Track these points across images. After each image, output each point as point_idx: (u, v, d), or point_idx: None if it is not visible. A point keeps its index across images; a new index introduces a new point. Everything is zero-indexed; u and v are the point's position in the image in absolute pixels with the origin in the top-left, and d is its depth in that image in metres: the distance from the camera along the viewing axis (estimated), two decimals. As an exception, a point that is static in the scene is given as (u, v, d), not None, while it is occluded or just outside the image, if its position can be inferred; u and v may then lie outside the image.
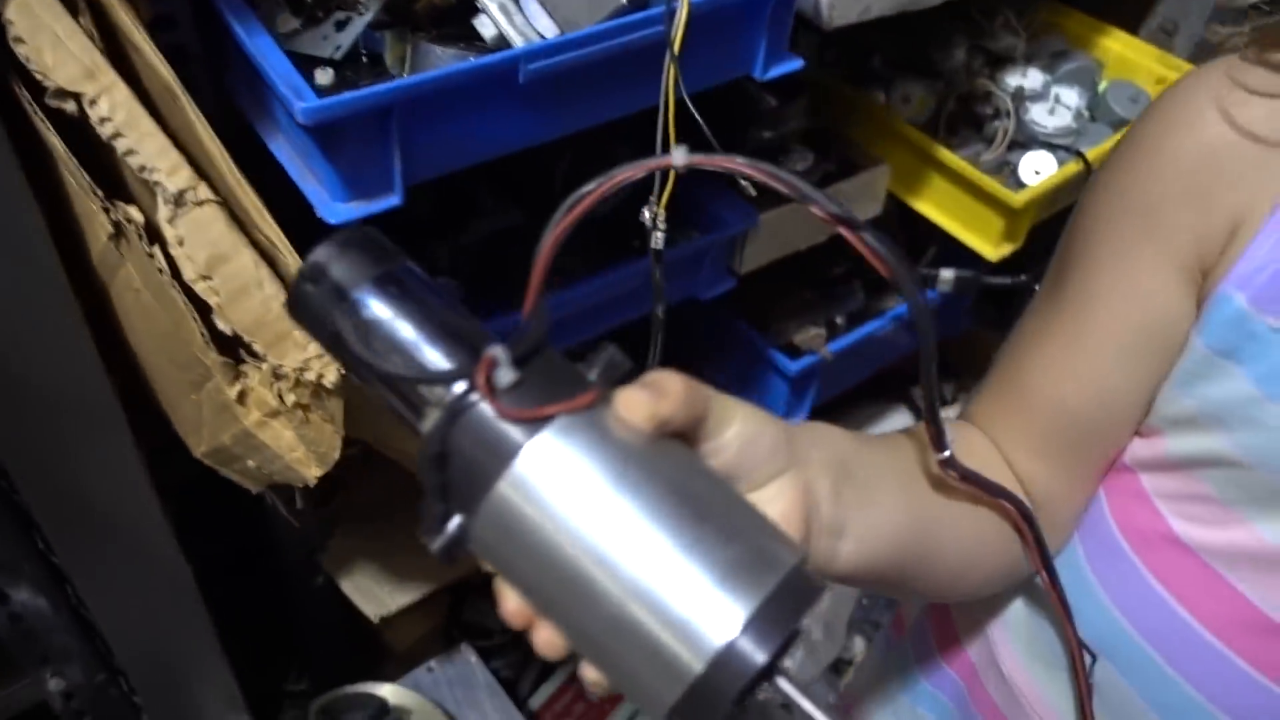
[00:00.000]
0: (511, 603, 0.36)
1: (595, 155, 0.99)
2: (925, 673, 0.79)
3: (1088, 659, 0.61)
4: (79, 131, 0.56)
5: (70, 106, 0.52)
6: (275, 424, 0.56)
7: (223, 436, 0.61)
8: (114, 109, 0.52)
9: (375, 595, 0.97)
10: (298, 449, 0.56)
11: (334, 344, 0.36)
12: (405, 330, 0.34)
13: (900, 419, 1.50)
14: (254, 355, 0.56)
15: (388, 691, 1.02)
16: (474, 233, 0.97)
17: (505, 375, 0.33)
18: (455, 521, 0.34)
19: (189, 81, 0.58)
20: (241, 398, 0.56)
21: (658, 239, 0.77)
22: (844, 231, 0.37)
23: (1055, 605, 0.60)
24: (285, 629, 1.17)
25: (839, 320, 1.24)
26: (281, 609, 1.15)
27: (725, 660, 0.32)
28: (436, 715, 1.04)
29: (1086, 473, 0.60)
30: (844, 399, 1.41)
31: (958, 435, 0.55)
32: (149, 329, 0.60)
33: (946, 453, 0.48)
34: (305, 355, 0.54)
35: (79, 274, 0.63)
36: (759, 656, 0.31)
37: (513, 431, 0.33)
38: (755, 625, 0.32)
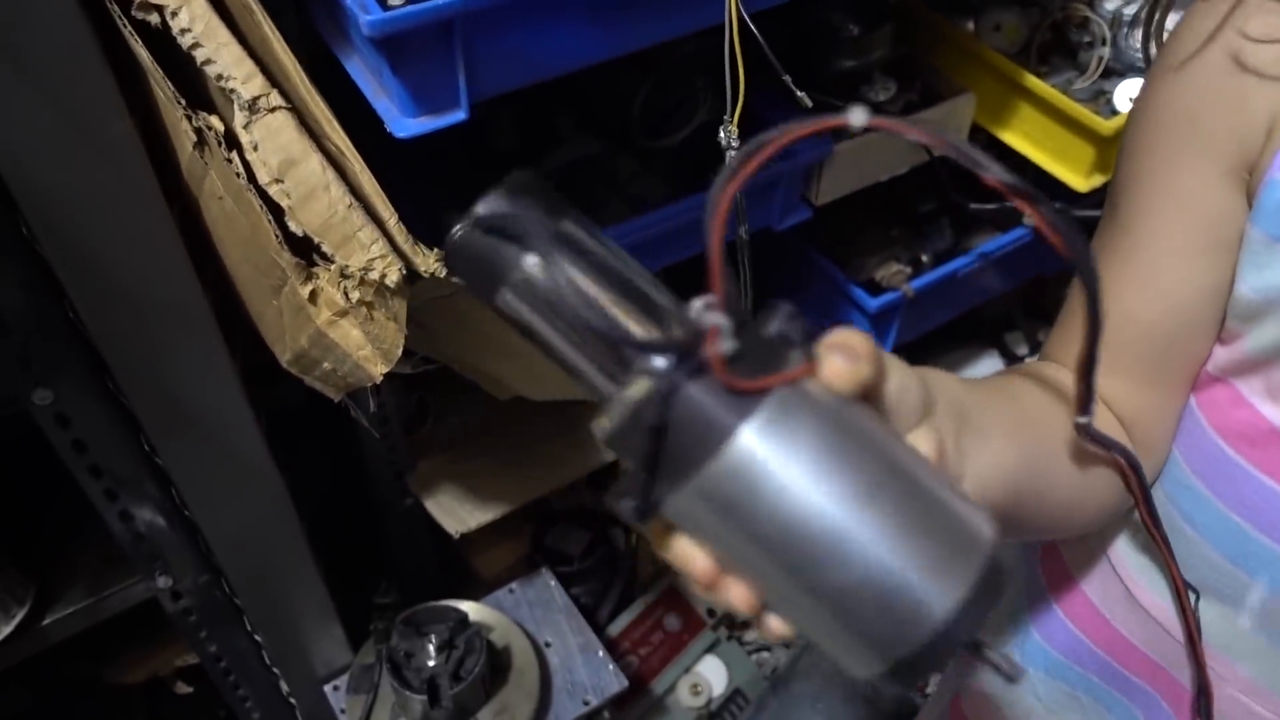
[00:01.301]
0: (701, 563, 0.35)
1: (674, 84, 1.00)
2: (1036, 623, 0.78)
3: (1191, 596, 0.62)
4: (167, 46, 0.60)
5: (154, 18, 0.56)
6: (344, 323, 0.59)
7: (301, 339, 0.64)
8: (193, 20, 0.55)
9: (456, 513, 1.01)
10: (365, 347, 0.60)
11: (504, 301, 0.34)
12: (597, 289, 0.33)
13: (991, 364, 1.47)
14: (324, 257, 0.59)
15: (469, 608, 1.07)
16: (554, 162, 0.99)
17: (726, 345, 0.32)
18: (658, 490, 0.33)
19: (271, 3, 0.62)
20: (313, 297, 0.59)
21: (732, 159, 0.77)
22: (1022, 205, 0.35)
23: (1160, 548, 0.61)
24: (378, 548, 1.23)
25: (924, 258, 1.22)
26: (375, 530, 1.21)
27: (942, 634, 0.32)
28: (515, 631, 1.08)
29: (1170, 384, 0.61)
30: (932, 342, 1.39)
31: (1036, 372, 0.57)
32: (233, 236, 0.64)
33: (1087, 419, 0.48)
34: (369, 255, 0.57)
35: (172, 187, 0.68)
36: (973, 630, 0.32)
37: (732, 404, 0.32)
38: (970, 600, 0.32)
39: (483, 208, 0.35)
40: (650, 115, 1.01)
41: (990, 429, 0.49)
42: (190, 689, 1.11)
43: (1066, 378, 0.59)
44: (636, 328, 0.33)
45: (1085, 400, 0.47)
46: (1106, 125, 1.00)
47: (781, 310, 0.35)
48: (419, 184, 0.96)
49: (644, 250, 0.95)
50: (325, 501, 1.31)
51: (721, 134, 0.72)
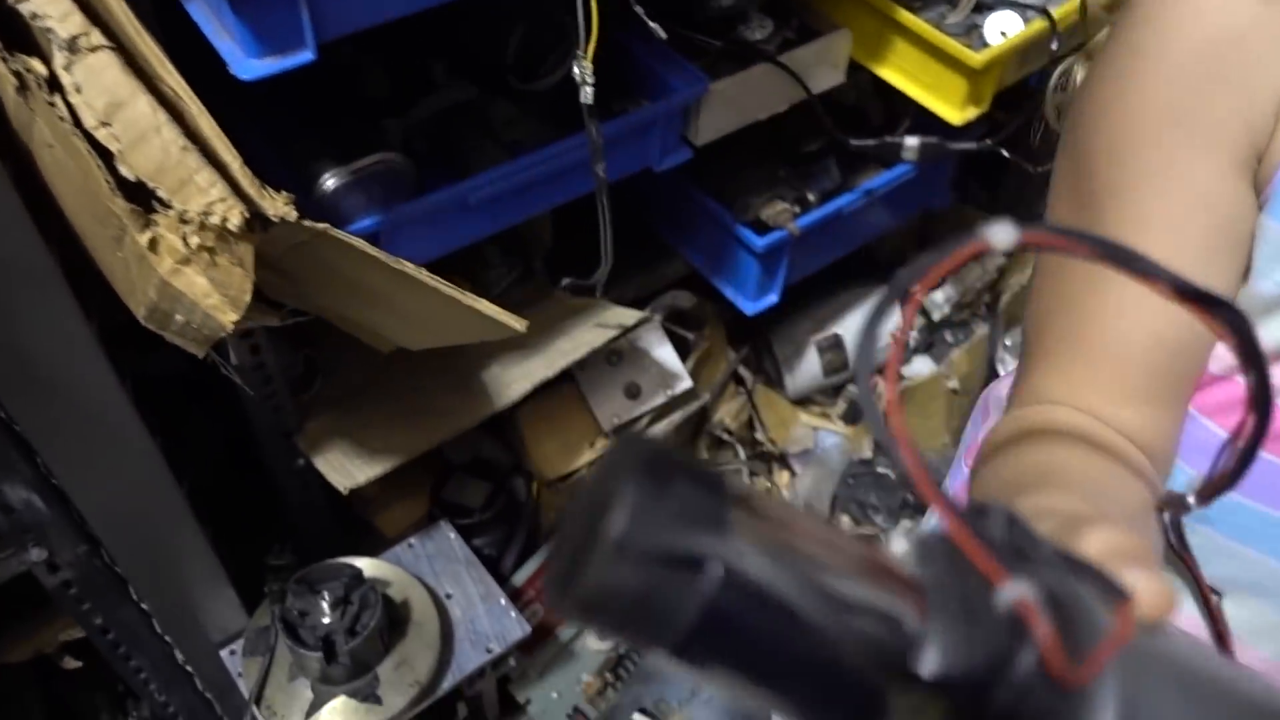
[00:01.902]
0: None
1: (547, 27, 0.99)
2: None
3: (1214, 599, 0.59)
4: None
5: (-43, -47, 0.53)
6: (188, 271, 0.58)
7: (149, 291, 0.62)
8: (-1, -45, 0.52)
9: (346, 469, 1.00)
10: (212, 295, 0.58)
11: (689, 652, 0.23)
12: (829, 577, 0.24)
13: (884, 301, 1.49)
14: (162, 203, 0.57)
15: (366, 564, 1.06)
16: (427, 108, 0.97)
17: (1045, 627, 0.24)
18: None
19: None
20: (153, 246, 0.57)
21: (586, 93, 0.77)
22: (1197, 312, 0.30)
23: (1183, 558, 0.55)
24: (274, 512, 1.21)
25: (811, 197, 1.23)
26: (268, 492, 1.19)
27: None
28: (414, 585, 1.08)
29: (1186, 398, 0.54)
30: (825, 280, 1.41)
31: (1044, 420, 0.50)
32: (67, 185, 0.61)
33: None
34: (208, 199, 0.55)
35: (2, 137, 0.64)
36: None
37: (1072, 701, 0.24)
38: None
39: (617, 529, 0.22)
40: (524, 58, 0.99)
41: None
42: (79, 664, 1.08)
43: (1103, 431, 0.50)
44: (909, 620, 0.24)
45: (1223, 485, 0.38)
46: (976, 58, 1.01)
47: (997, 514, 0.27)
48: (287, 134, 0.93)
49: (523, 196, 0.94)
50: (218, 466, 1.28)
51: (575, 69, 0.71)
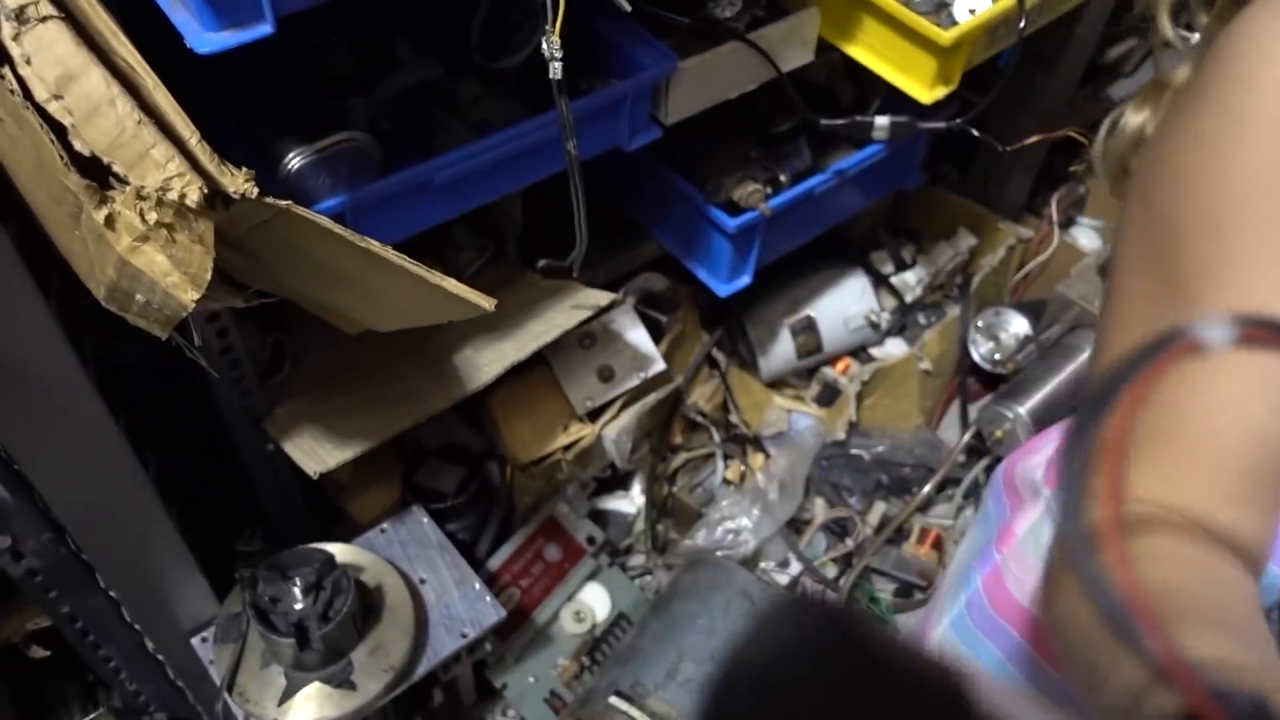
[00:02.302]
0: None
1: (511, 4, 0.98)
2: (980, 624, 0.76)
3: None
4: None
5: (-101, -79, 0.51)
6: (146, 248, 0.57)
7: (109, 270, 0.61)
8: (-56, -77, 0.51)
9: (316, 454, 0.99)
10: (171, 273, 0.57)
11: None
12: None
13: (857, 282, 1.50)
14: (118, 179, 0.56)
15: (338, 549, 1.05)
16: (393, 86, 0.96)
17: None
18: None
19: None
20: (110, 223, 0.56)
21: (555, 69, 0.76)
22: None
23: None
24: (246, 499, 1.20)
25: (783, 178, 1.23)
26: (238, 479, 1.18)
27: None
28: (387, 570, 1.07)
29: None
30: (798, 261, 1.41)
31: (1154, 537, 0.45)
32: (21, 162, 0.60)
33: None
34: (165, 175, 0.54)
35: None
36: None
37: None
38: None
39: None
40: (490, 37, 0.98)
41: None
42: (47, 653, 1.07)
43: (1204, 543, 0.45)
44: None
45: None
46: (945, 36, 1.01)
47: (1242, 700, 0.26)
48: (252, 114, 0.92)
49: (491, 175, 0.93)
50: (186, 453, 1.27)
51: (544, 45, 0.70)
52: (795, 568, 1.40)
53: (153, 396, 1.20)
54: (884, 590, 1.40)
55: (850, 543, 1.42)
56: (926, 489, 1.44)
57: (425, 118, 0.95)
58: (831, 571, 1.41)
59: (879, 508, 1.45)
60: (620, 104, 0.96)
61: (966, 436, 1.45)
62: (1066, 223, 1.61)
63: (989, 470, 1.45)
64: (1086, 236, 1.61)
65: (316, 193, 0.86)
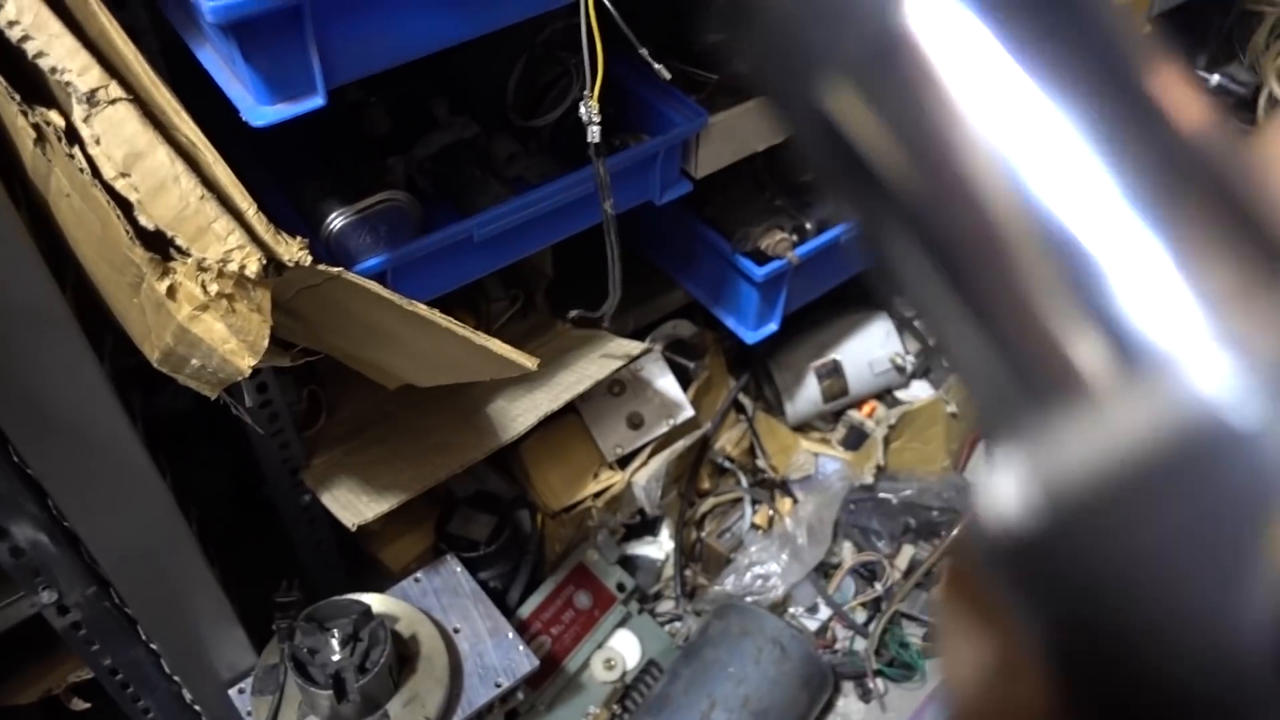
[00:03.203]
0: None
1: (545, 64, 1.00)
2: None
3: None
4: (2, 44, 0.58)
5: (-21, 11, 0.54)
6: (206, 317, 0.58)
7: (165, 337, 0.63)
8: (21, 12, 0.53)
9: (353, 505, 1.00)
10: (229, 340, 0.59)
11: None
12: None
13: (882, 327, 1.51)
14: (180, 251, 0.58)
15: (373, 600, 1.06)
16: (430, 146, 0.98)
17: None
18: None
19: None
20: (172, 293, 0.58)
21: (594, 132, 0.78)
22: None
23: None
24: (281, 550, 1.21)
25: (809, 226, 1.25)
26: (276, 529, 1.19)
27: None
28: (422, 620, 1.08)
29: None
30: (822, 308, 1.42)
31: None
32: (84, 234, 0.62)
33: None
34: (226, 247, 0.56)
35: (18, 188, 0.65)
36: None
37: None
38: None
39: None
40: (524, 95, 1.00)
41: None
42: (87, 705, 1.08)
43: None
44: None
45: None
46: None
47: None
48: (292, 175, 0.94)
49: (527, 232, 0.95)
50: (223, 503, 1.28)
51: (582, 109, 0.72)
52: (824, 612, 1.40)
53: (191, 448, 1.22)
54: (914, 635, 1.40)
55: (879, 587, 1.42)
56: (955, 532, 1.44)
57: (462, 175, 0.98)
58: (861, 616, 1.40)
59: (907, 551, 1.45)
60: (652, 160, 0.98)
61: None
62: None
63: (1017, 513, 1.45)
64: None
65: (358, 251, 0.88)
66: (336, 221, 0.87)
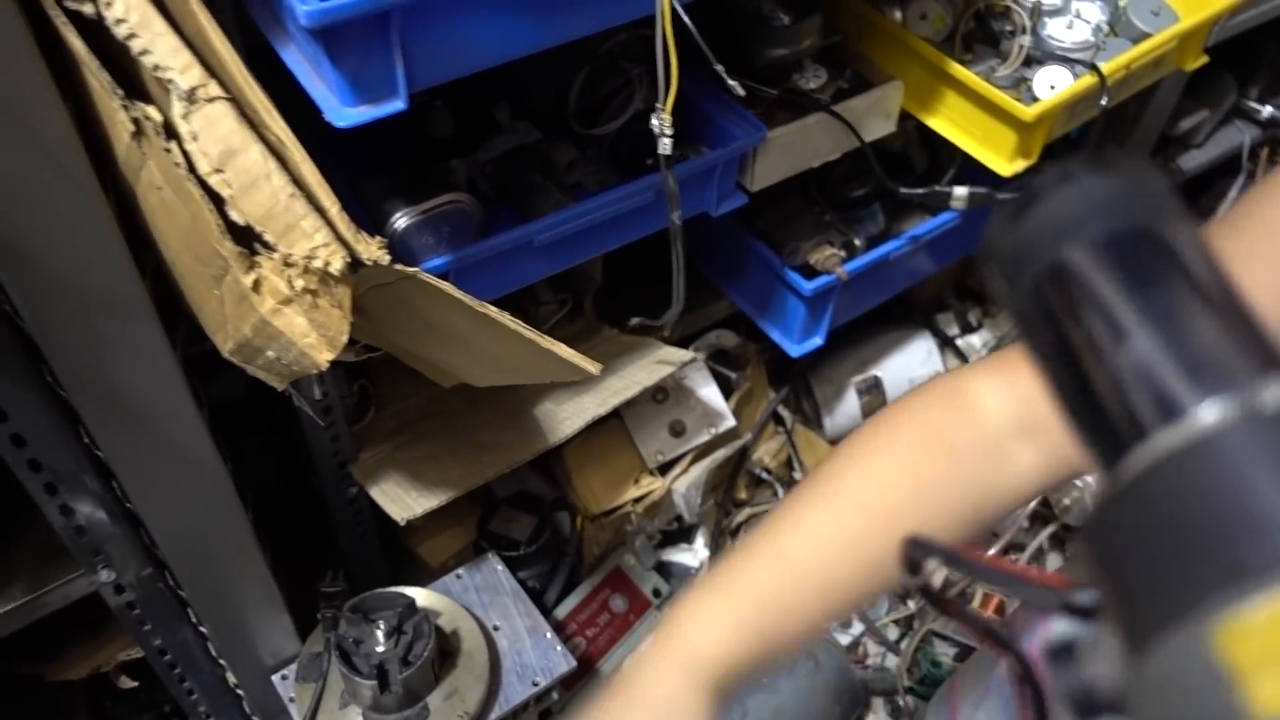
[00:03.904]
0: None
1: (609, 73, 1.02)
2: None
3: None
4: (99, 36, 0.60)
5: (88, 8, 0.56)
6: (288, 311, 0.60)
7: (244, 328, 0.65)
8: (128, 10, 0.55)
9: (403, 500, 1.02)
10: (310, 334, 0.60)
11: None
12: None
13: (923, 345, 1.51)
14: (266, 246, 0.60)
15: (417, 593, 1.08)
16: (492, 150, 1.00)
17: None
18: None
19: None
20: (256, 286, 0.60)
21: (665, 145, 0.79)
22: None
23: None
24: (323, 538, 1.23)
25: (858, 242, 1.25)
26: (320, 520, 1.21)
27: None
28: (463, 616, 1.09)
29: None
30: (866, 324, 1.43)
31: None
32: (172, 227, 0.64)
33: None
34: (313, 244, 0.58)
35: (108, 178, 0.67)
36: None
37: None
38: None
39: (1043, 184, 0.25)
40: (586, 104, 1.02)
41: None
42: (135, 683, 1.10)
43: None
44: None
45: None
46: (1027, 112, 1.04)
47: None
48: (357, 173, 0.96)
49: (584, 238, 0.97)
50: (269, 493, 1.30)
51: (654, 121, 0.74)
52: (857, 628, 1.40)
53: (240, 438, 1.25)
54: (945, 654, 1.40)
55: (912, 605, 1.42)
56: (991, 553, 1.44)
57: (522, 180, 0.99)
58: (893, 633, 1.41)
59: (942, 571, 1.45)
60: (711, 172, 0.99)
61: (1033, 503, 1.45)
62: (1134, 291, 1.61)
63: (1054, 537, 1.45)
64: (1154, 305, 1.61)
65: (421, 251, 0.90)
66: (401, 221, 0.89)
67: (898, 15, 1.14)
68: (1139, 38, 1.15)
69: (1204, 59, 1.23)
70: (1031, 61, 1.13)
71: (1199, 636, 0.16)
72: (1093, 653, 0.23)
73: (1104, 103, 1.08)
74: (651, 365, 1.12)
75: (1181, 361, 0.20)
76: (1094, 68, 1.08)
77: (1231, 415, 0.18)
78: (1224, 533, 0.16)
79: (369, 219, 0.92)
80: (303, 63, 0.69)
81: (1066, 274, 0.22)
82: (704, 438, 1.29)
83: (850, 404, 1.48)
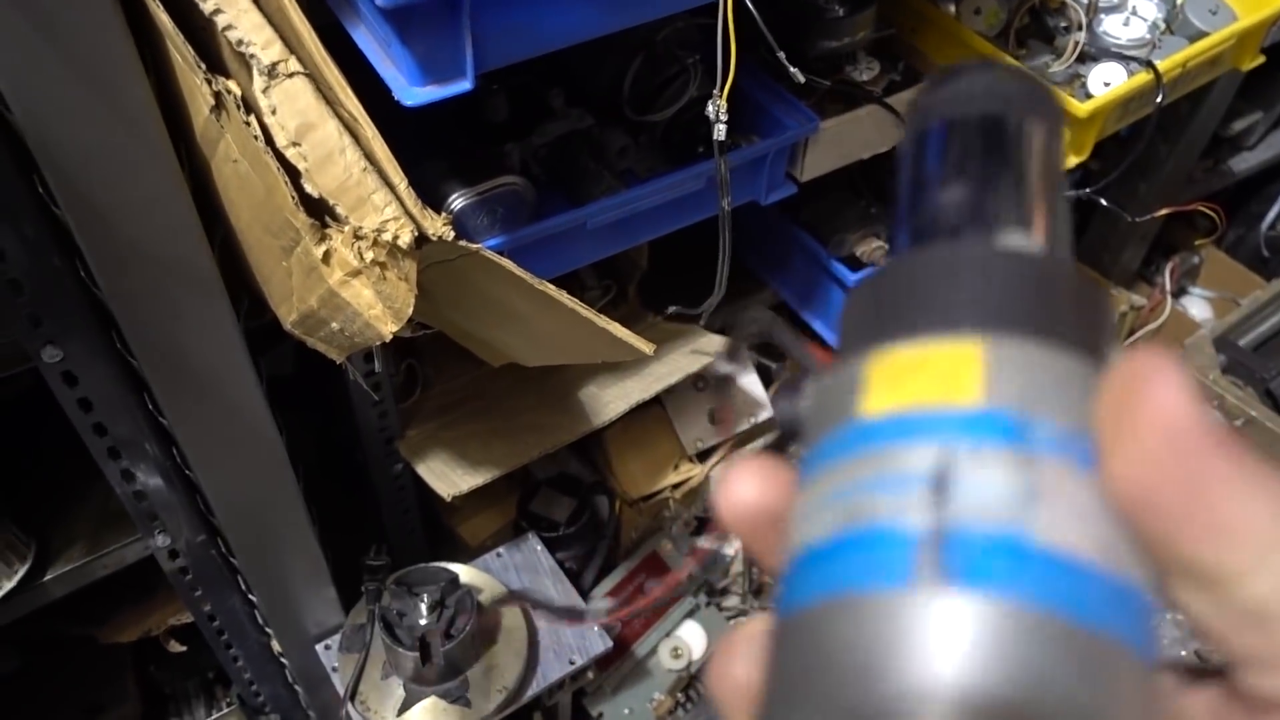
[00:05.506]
0: None
1: (664, 61, 1.02)
2: None
3: None
4: (182, 14, 0.61)
5: (176, -16, 0.57)
6: (356, 283, 0.62)
7: (310, 299, 0.67)
8: (214, -14, 0.57)
9: (449, 477, 1.04)
10: (376, 306, 0.62)
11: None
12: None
13: (964, 340, 1.51)
14: (336, 219, 0.61)
15: (460, 570, 1.09)
16: (546, 134, 1.01)
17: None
18: None
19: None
20: (326, 258, 0.61)
21: (720, 130, 0.80)
22: None
23: None
24: (367, 513, 1.25)
25: (903, 235, 1.26)
26: (365, 494, 1.23)
27: None
28: (504, 593, 1.11)
29: None
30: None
31: None
32: (245, 198, 0.66)
33: None
34: (383, 217, 0.59)
35: (184, 151, 0.69)
36: None
37: None
38: None
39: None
40: (640, 91, 1.03)
41: None
42: (183, 648, 1.13)
43: None
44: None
45: None
46: (1080, 108, 1.03)
47: None
48: (414, 155, 0.97)
49: (634, 223, 0.98)
50: (316, 467, 1.33)
51: (710, 107, 0.75)
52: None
53: (289, 411, 1.27)
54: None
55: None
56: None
57: (575, 165, 1.00)
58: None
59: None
60: (762, 161, 1.00)
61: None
62: (1178, 292, 1.60)
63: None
64: (1198, 306, 1.60)
65: (475, 232, 0.91)
66: (458, 201, 0.91)
67: (952, 9, 1.14)
68: (1196, 36, 1.14)
69: (1260, 59, 1.22)
70: (1086, 58, 1.13)
71: (860, 360, 0.23)
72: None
73: (1159, 100, 1.07)
74: (694, 353, 1.13)
75: (966, 208, 0.25)
76: (1150, 65, 1.07)
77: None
78: (907, 301, 0.23)
79: (425, 198, 0.94)
80: (372, 43, 0.70)
81: (939, 131, 0.28)
82: (744, 426, 1.30)
83: (889, 398, 1.48)
